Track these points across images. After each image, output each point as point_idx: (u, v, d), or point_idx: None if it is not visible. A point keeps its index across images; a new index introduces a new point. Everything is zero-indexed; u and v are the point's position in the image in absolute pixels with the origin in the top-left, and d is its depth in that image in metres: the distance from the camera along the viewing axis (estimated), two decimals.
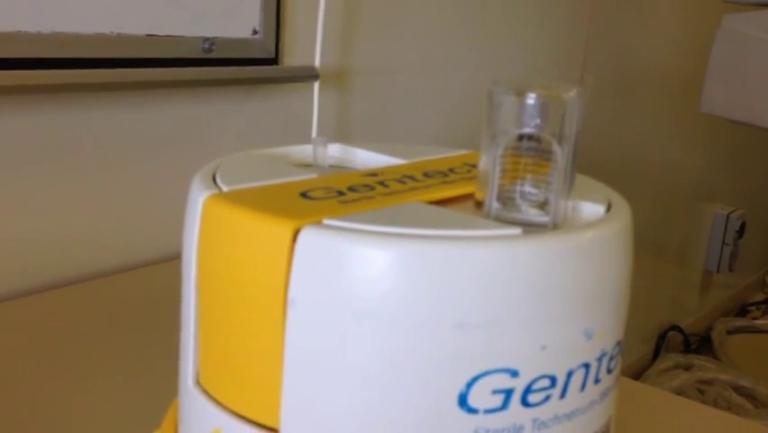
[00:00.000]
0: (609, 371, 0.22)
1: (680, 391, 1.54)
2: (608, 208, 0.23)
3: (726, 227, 1.86)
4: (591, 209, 0.23)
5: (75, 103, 0.53)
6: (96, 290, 0.51)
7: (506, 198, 0.22)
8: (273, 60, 0.65)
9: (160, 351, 0.42)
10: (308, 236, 0.19)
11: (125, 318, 0.46)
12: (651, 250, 1.59)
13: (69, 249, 0.54)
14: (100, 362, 0.41)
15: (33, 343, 0.42)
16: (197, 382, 0.22)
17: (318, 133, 0.70)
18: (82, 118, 0.53)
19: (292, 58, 0.67)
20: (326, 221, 0.19)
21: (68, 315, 0.46)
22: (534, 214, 0.22)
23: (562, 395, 0.20)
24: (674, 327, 1.77)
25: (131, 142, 0.56)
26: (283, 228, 0.19)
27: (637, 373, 1.65)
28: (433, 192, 0.23)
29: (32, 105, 0.50)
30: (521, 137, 0.22)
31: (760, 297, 2.24)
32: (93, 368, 0.40)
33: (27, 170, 0.51)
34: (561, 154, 0.21)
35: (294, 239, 0.19)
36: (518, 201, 0.22)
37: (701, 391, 1.55)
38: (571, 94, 0.20)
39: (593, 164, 1.24)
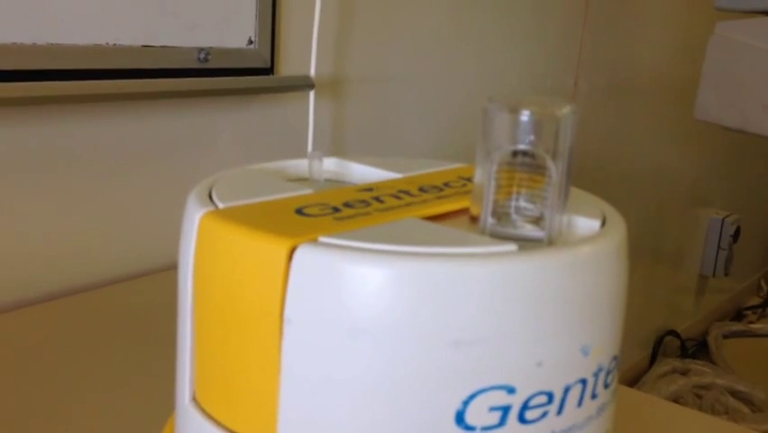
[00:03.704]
0: (606, 386, 0.22)
1: (677, 396, 1.54)
2: (603, 222, 0.23)
3: (721, 232, 1.86)
4: (586, 224, 0.23)
5: (71, 114, 0.53)
6: (92, 300, 0.51)
7: (501, 214, 0.22)
8: (269, 70, 0.65)
9: (158, 362, 0.42)
10: (304, 255, 0.19)
11: (122, 329, 0.46)
12: (646, 255, 1.59)
13: (66, 260, 0.54)
14: (97, 374, 0.41)
15: (30, 355, 0.42)
16: (194, 400, 0.22)
17: (314, 143, 0.70)
18: (78, 130, 0.53)
19: (288, 67, 0.67)
20: (322, 239, 0.19)
21: (64, 326, 0.46)
22: (529, 229, 0.22)
23: (559, 411, 0.20)
24: (671, 332, 1.77)
25: (127, 152, 0.56)
26: (279, 246, 0.19)
27: (634, 378, 1.65)
28: (428, 207, 0.23)
29: (28, 117, 0.50)
30: (515, 153, 0.22)
31: (756, 301, 2.25)
32: (90, 380, 0.40)
33: (22, 182, 0.51)
34: (555, 170, 0.21)
35: (290, 257, 0.19)
36: (513, 216, 0.22)
37: (699, 396, 1.56)
38: (565, 111, 0.20)
39: (588, 170, 1.24)
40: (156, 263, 0.60)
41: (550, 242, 0.21)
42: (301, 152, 0.70)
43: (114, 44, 0.53)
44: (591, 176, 1.25)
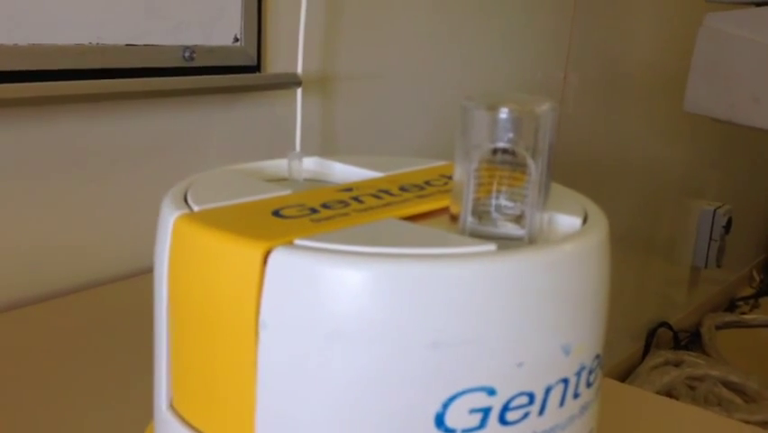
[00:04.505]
0: (589, 384, 0.21)
1: (670, 388, 1.55)
2: (585, 219, 0.23)
3: (713, 223, 1.86)
4: (567, 222, 0.23)
5: (54, 115, 0.52)
6: (78, 303, 0.50)
7: (481, 212, 0.22)
8: (255, 68, 0.64)
9: (143, 364, 0.42)
10: (279, 258, 0.18)
11: (109, 332, 0.46)
12: (639, 247, 1.59)
13: (51, 262, 0.54)
14: (81, 379, 0.40)
15: (13, 357, 0.42)
16: (171, 406, 0.22)
17: (302, 140, 0.70)
18: (62, 131, 0.53)
19: (274, 65, 0.67)
20: (298, 241, 0.19)
21: (48, 329, 0.46)
22: (510, 227, 0.22)
23: (541, 412, 0.20)
24: (663, 324, 1.77)
25: (113, 153, 0.56)
26: (253, 250, 0.18)
27: (627, 370, 1.65)
28: (408, 207, 0.23)
29: (10, 119, 0.50)
30: (495, 151, 0.21)
31: (748, 291, 2.26)
32: (74, 385, 0.39)
33: (6, 184, 0.50)
34: (535, 168, 0.21)
35: (265, 261, 0.18)
36: (494, 215, 0.22)
37: (692, 388, 1.56)
38: (544, 108, 0.20)
39: (579, 164, 1.24)
40: (142, 265, 0.60)
41: (530, 240, 0.21)
42: (289, 151, 0.69)
43: (98, 44, 0.52)
44: (582, 169, 1.25)
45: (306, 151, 0.72)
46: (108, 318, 0.48)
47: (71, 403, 0.38)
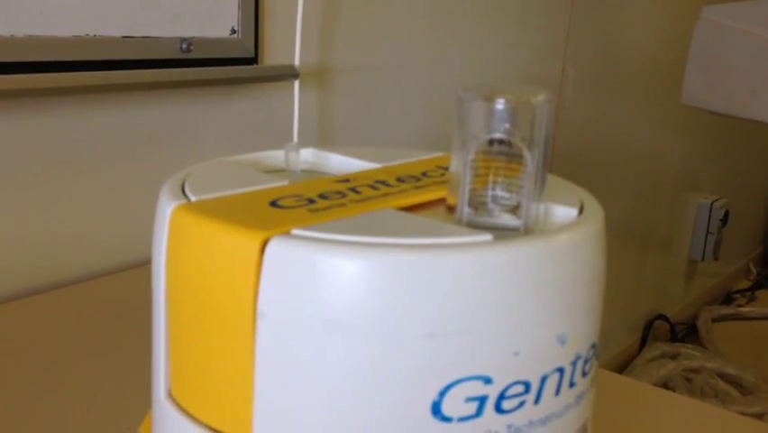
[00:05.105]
0: (584, 374, 0.22)
1: (667, 380, 1.55)
2: (581, 210, 0.23)
3: (710, 216, 1.87)
4: (563, 212, 0.23)
5: (52, 107, 0.52)
6: (79, 293, 0.50)
7: (478, 203, 0.22)
8: (252, 60, 0.64)
9: (141, 356, 0.42)
10: (276, 247, 0.18)
11: (106, 323, 0.46)
12: (636, 240, 1.60)
13: (48, 254, 0.54)
14: (78, 369, 0.40)
15: (9, 350, 0.42)
16: (170, 395, 0.22)
17: (299, 132, 0.70)
18: (59, 122, 0.53)
19: (272, 57, 0.67)
20: (295, 231, 0.19)
21: (46, 321, 0.46)
22: (506, 218, 0.22)
23: (537, 401, 0.20)
24: (660, 317, 1.78)
25: (108, 145, 0.56)
26: (251, 239, 0.19)
27: (624, 362, 1.66)
28: (405, 198, 0.23)
29: (7, 110, 0.50)
30: (492, 141, 0.21)
31: (744, 284, 2.26)
32: (71, 375, 0.40)
33: (2, 176, 0.50)
34: (531, 159, 0.21)
35: (262, 250, 0.19)
36: (490, 206, 0.22)
37: (688, 380, 1.57)
38: (540, 98, 0.20)
39: (577, 157, 1.24)
40: (139, 257, 0.60)
41: (526, 231, 0.21)
42: (287, 143, 0.69)
43: (95, 35, 0.52)
44: (580, 163, 1.25)
45: (304, 142, 0.72)
46: (107, 310, 0.48)
47: (71, 393, 0.38)
